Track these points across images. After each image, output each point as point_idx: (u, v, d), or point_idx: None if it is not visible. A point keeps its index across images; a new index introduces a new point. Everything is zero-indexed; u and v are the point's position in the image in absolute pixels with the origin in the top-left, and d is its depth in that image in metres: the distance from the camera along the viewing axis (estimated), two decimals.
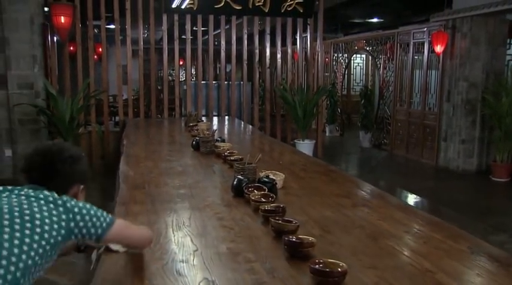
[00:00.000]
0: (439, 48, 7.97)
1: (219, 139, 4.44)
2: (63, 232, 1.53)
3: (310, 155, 6.50)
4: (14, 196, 1.55)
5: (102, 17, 7.53)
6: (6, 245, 1.38)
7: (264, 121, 8.70)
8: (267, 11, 7.93)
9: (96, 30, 8.92)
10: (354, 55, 12.68)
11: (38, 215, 1.49)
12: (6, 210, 1.47)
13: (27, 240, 1.43)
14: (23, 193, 1.57)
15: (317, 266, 1.62)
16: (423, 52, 8.87)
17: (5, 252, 1.37)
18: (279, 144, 5.41)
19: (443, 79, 8.33)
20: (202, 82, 8.39)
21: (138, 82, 8.06)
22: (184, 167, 3.59)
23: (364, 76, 13.85)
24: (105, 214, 1.66)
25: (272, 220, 2.05)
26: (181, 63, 11.64)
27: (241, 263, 1.76)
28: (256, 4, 7.83)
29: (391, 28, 10.15)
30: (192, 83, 8.68)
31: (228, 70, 11.92)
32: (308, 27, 8.57)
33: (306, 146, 7.95)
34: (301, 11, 8.08)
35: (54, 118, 6.81)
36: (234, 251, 1.87)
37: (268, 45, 8.37)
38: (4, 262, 1.36)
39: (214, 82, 8.45)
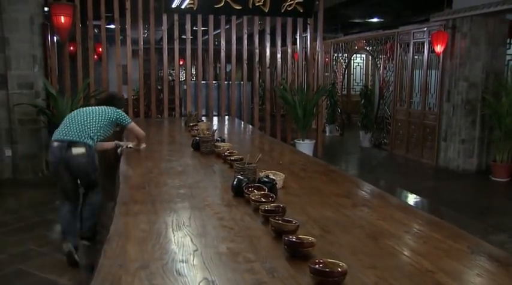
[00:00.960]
0: (439, 48, 7.97)
1: (219, 139, 4.44)
2: (114, 118, 4.05)
3: (310, 155, 6.51)
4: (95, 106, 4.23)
5: (102, 16, 7.54)
6: (95, 118, 3.96)
7: (264, 121, 8.70)
8: (267, 10, 7.93)
9: (96, 30, 8.93)
10: (354, 55, 12.68)
11: (106, 111, 4.06)
12: (96, 108, 4.10)
13: (103, 118, 3.99)
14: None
15: (317, 266, 1.62)
16: (423, 52, 8.87)
17: (94, 120, 3.94)
18: (279, 144, 5.41)
19: (443, 79, 8.33)
20: (202, 82, 8.39)
21: (138, 82, 8.07)
22: (184, 167, 3.59)
23: (364, 76, 13.85)
24: (128, 117, 4.19)
25: (272, 219, 2.05)
26: (181, 63, 11.65)
27: (241, 263, 1.76)
28: (256, 4, 7.84)
29: (391, 28, 10.16)
30: (192, 83, 8.68)
31: (228, 70, 11.92)
32: (308, 27, 8.57)
33: (306, 146, 7.96)
34: (301, 10, 8.09)
35: (54, 118, 6.80)
36: (234, 251, 1.87)
37: (268, 45, 8.37)
38: (93, 126, 3.91)
39: (214, 82, 8.46)
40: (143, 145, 4.25)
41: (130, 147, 4.22)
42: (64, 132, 3.89)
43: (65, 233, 3.98)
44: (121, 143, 4.33)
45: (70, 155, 3.80)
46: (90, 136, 3.88)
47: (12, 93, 6.86)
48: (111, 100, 4.32)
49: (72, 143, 3.81)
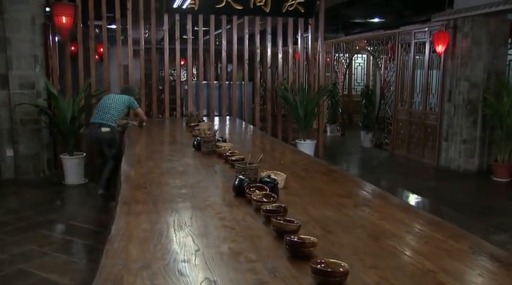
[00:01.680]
0: (440, 48, 7.97)
1: (220, 139, 4.44)
2: (127, 103, 6.09)
3: (312, 155, 6.50)
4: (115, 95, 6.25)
5: (103, 17, 7.54)
6: (115, 106, 5.95)
7: (265, 121, 8.70)
8: (268, 11, 7.94)
9: (97, 30, 8.93)
10: (355, 55, 12.67)
11: (124, 98, 6.09)
12: (115, 96, 6.16)
13: (120, 104, 6.00)
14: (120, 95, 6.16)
15: (319, 265, 1.62)
16: (424, 52, 8.87)
17: (116, 107, 5.94)
18: (280, 144, 5.41)
19: (444, 79, 8.33)
20: (204, 82, 8.40)
21: (140, 82, 8.07)
22: (186, 167, 3.60)
23: (365, 76, 13.85)
24: (137, 104, 6.31)
25: (274, 219, 2.05)
26: (182, 63, 11.65)
27: (242, 262, 1.77)
28: (258, 4, 7.84)
29: (392, 28, 10.15)
30: (193, 83, 8.68)
31: (229, 70, 11.93)
32: (309, 27, 8.57)
33: (307, 146, 7.96)
34: (302, 11, 8.09)
35: (55, 118, 6.82)
36: (235, 251, 1.87)
37: (269, 45, 8.38)
38: (114, 112, 5.92)
39: (215, 82, 8.46)
40: (144, 124, 6.34)
41: (134, 124, 6.26)
42: (98, 117, 5.91)
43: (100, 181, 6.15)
44: (129, 121, 6.42)
45: (100, 132, 5.86)
46: (114, 120, 5.91)
47: (13, 93, 6.87)
48: (126, 90, 6.44)
49: (101, 125, 5.83)
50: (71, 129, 6.72)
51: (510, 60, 8.23)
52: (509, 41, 8.04)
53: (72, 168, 6.74)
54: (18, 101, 6.82)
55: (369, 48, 11.04)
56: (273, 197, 2.46)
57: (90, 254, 4.32)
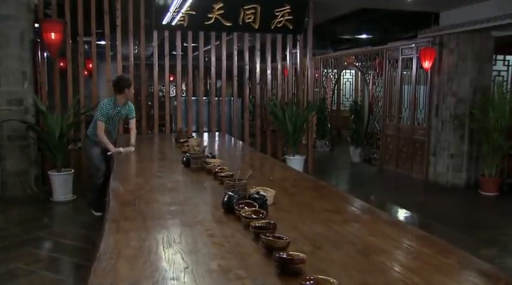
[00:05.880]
0: (427, 64, 8.07)
1: (209, 155, 4.43)
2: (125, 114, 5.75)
3: (301, 170, 6.52)
4: None
5: (92, 33, 7.55)
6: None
7: (255, 137, 8.71)
8: (257, 27, 8.00)
9: (86, 46, 8.93)
10: (344, 71, 12.79)
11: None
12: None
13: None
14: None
15: (308, 282, 1.62)
16: (412, 67, 8.98)
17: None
18: (270, 160, 5.42)
19: (431, 94, 8.42)
20: (193, 98, 8.41)
21: None
22: (175, 183, 3.58)
23: (353, 91, 13.96)
24: (134, 112, 5.78)
25: (263, 236, 2.04)
26: (171, 78, 11.67)
27: (232, 279, 1.76)
28: (246, 21, 7.90)
29: (380, 44, 10.28)
30: (183, 99, 8.69)
31: (218, 86, 11.97)
32: (298, 43, 8.64)
33: (296, 162, 7.96)
34: (291, 27, 8.17)
35: (43, 134, 6.77)
36: (224, 268, 1.86)
37: (258, 61, 8.43)
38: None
39: (204, 98, 8.48)
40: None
41: (121, 152, 5.17)
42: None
43: None
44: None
45: None
46: None
47: (1, 109, 6.82)
48: (118, 82, 5.70)
49: None
50: (60, 145, 6.67)
51: (495, 76, 8.35)
52: (494, 57, 8.17)
53: (61, 184, 6.68)
54: (5, 117, 6.77)
55: (357, 64, 11.15)
56: (262, 214, 2.46)
57: (78, 272, 4.26)
